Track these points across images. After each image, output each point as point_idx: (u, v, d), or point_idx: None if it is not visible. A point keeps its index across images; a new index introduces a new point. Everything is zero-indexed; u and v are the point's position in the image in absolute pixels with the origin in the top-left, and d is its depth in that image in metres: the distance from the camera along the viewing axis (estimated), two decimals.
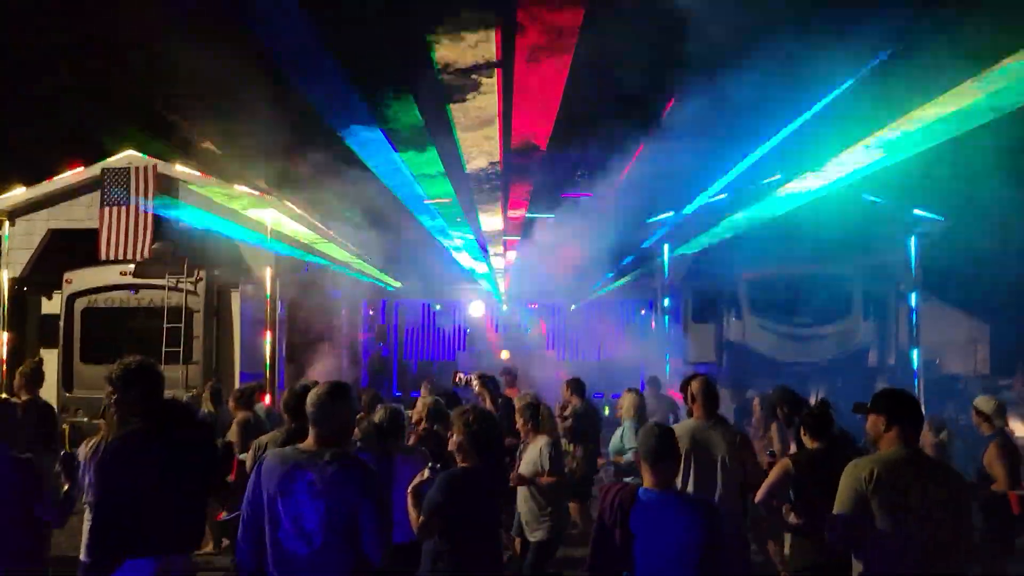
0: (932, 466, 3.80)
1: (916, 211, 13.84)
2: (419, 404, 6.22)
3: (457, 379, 5.15)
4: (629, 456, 7.40)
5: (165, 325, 12.06)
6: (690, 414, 5.35)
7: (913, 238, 13.84)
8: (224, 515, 6.11)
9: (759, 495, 4.62)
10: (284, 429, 5.36)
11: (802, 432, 5.11)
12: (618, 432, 7.94)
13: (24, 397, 6.87)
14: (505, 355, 18.31)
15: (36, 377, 7.17)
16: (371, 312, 19.65)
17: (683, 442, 4.94)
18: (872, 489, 3.58)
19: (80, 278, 12.64)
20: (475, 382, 5.08)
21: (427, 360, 20.43)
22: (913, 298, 14.15)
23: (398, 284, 18.39)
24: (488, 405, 4.75)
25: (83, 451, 4.86)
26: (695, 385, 5.15)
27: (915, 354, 13.94)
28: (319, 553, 3.56)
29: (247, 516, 3.73)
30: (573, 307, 19.82)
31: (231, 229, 12.63)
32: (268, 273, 12.86)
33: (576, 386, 8.74)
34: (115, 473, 3.84)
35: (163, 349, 11.90)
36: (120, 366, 4.08)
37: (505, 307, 20.08)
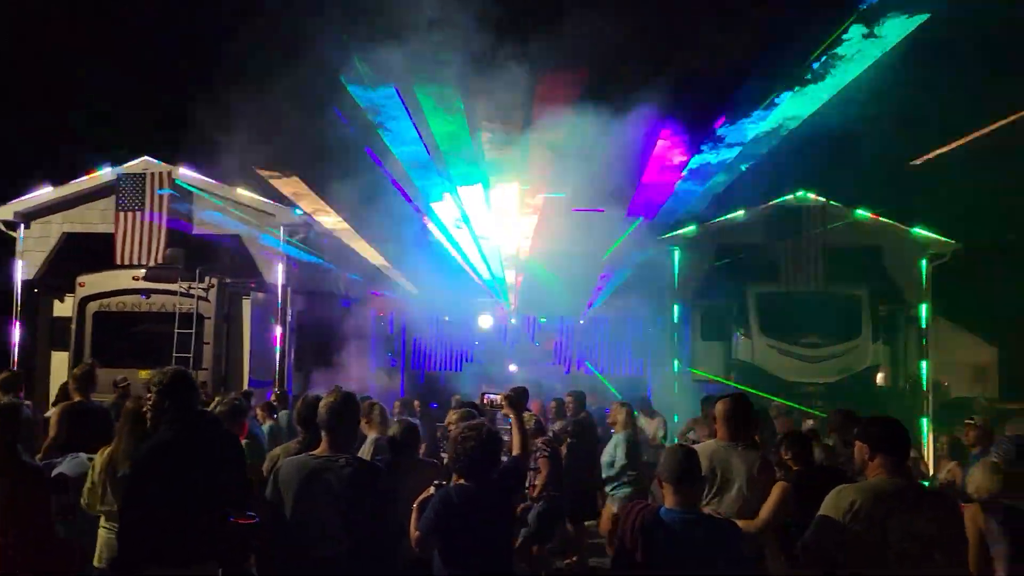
0: (922, 498, 3.63)
1: (928, 233, 13.92)
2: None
3: (485, 400, 4.91)
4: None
5: (176, 330, 12.09)
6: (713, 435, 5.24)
7: (925, 260, 13.97)
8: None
9: (762, 517, 4.55)
10: (299, 440, 5.34)
11: (785, 455, 5.40)
12: (610, 444, 7.83)
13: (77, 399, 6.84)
14: (513, 368, 18.25)
15: (88, 380, 7.09)
16: (379, 321, 19.62)
17: (701, 465, 4.87)
18: (850, 520, 3.50)
19: (93, 282, 12.68)
20: (502, 401, 4.88)
21: (434, 371, 20.36)
22: (923, 320, 14.19)
23: (415, 290, 18.24)
24: (515, 425, 4.63)
25: (98, 460, 4.87)
26: (720, 407, 4.92)
27: (924, 375, 13.98)
28: (344, 555, 3.64)
29: (270, 525, 3.74)
30: (581, 321, 19.75)
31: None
32: (280, 280, 12.91)
33: (578, 398, 9.00)
34: (144, 481, 3.82)
35: (173, 354, 11.93)
36: (163, 373, 4.04)
37: (514, 320, 20.00)
